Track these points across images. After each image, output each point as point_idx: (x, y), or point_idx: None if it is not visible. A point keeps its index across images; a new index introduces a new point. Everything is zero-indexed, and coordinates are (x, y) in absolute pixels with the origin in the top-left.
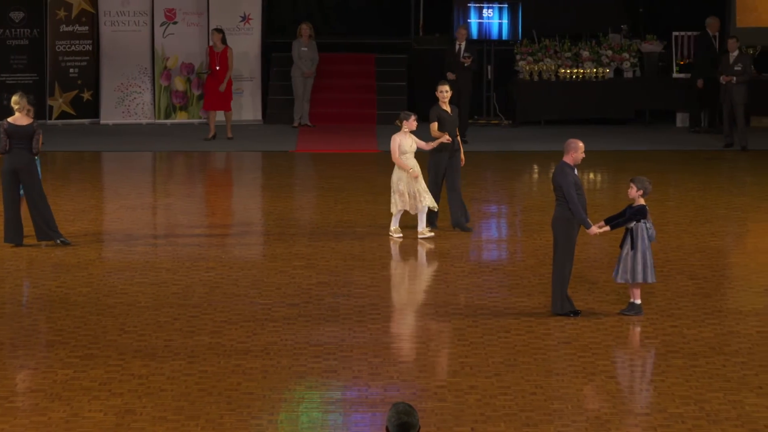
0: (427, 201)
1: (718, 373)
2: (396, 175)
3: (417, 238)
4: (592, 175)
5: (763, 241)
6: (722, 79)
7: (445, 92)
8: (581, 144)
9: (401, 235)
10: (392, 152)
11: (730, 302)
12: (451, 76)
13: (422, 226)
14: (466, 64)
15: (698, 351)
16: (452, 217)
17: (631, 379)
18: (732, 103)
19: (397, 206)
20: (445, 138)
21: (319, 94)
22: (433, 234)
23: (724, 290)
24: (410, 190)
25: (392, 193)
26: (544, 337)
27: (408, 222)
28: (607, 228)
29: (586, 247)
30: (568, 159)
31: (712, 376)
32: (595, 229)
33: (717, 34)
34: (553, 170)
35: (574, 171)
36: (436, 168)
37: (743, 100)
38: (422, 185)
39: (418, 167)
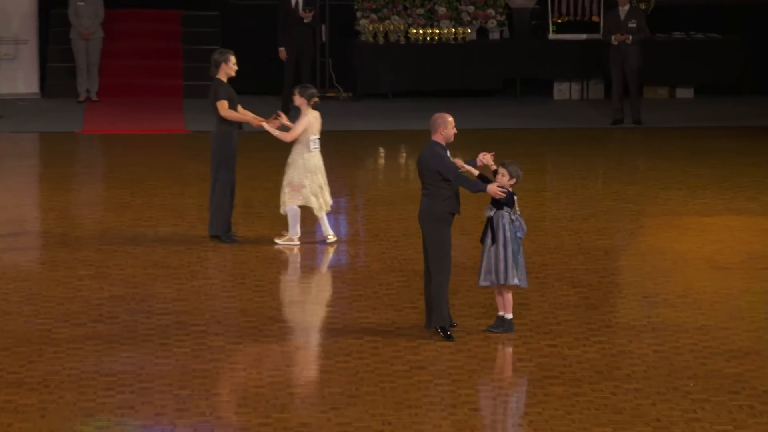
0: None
1: (606, 403)
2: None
3: (230, 242)
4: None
5: (659, 239)
6: (614, 39)
7: (235, 65)
8: (450, 118)
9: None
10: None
11: (620, 315)
12: (283, 54)
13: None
14: (306, 20)
15: (582, 376)
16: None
17: (502, 412)
18: (626, 69)
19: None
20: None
21: (111, 60)
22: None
23: (614, 300)
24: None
25: (310, 189)
26: (393, 361)
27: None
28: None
29: None
30: (437, 138)
31: (599, 406)
32: (494, 186)
33: None
34: (419, 153)
35: (446, 151)
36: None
37: (640, 63)
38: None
39: None
